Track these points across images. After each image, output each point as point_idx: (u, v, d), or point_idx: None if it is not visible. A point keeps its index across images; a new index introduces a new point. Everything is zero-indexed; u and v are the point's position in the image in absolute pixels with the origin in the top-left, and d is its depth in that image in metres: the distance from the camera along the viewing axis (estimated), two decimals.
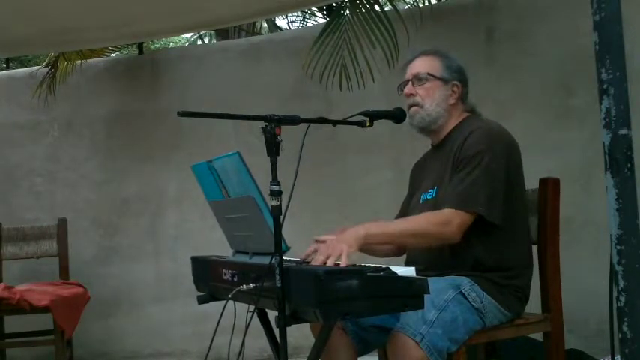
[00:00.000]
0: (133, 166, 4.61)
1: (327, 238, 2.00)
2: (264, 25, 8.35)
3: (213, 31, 9.41)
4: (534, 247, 2.33)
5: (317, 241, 2.04)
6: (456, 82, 2.30)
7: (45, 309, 3.54)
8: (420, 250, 2.23)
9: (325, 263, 1.85)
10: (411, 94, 2.30)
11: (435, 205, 2.20)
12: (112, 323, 4.52)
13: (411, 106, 2.30)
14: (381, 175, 4.10)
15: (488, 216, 2.08)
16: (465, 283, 2.10)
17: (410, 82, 2.32)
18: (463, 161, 2.14)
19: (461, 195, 2.09)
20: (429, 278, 1.73)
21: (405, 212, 2.44)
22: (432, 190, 2.26)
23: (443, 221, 2.06)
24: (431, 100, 2.28)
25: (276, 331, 1.75)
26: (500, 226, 2.11)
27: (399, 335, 1.94)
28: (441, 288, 2.02)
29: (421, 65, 2.32)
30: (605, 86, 1.40)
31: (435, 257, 2.18)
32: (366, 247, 2.07)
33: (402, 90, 2.34)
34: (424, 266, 2.15)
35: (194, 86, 4.53)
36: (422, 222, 2.09)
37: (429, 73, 2.28)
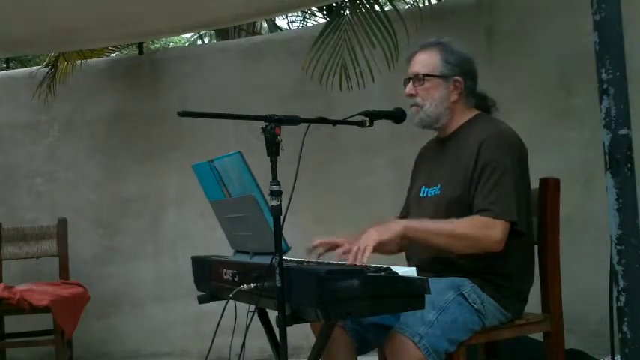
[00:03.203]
0: (133, 166, 4.61)
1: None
2: (264, 25, 8.35)
3: (213, 31, 9.40)
4: (534, 247, 2.33)
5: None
6: (457, 77, 2.25)
7: (45, 309, 3.55)
8: (421, 250, 2.23)
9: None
10: (412, 95, 2.28)
11: (438, 204, 2.20)
12: (112, 323, 4.52)
13: (411, 105, 2.29)
14: (382, 175, 4.10)
15: (519, 225, 2.08)
16: (466, 284, 2.10)
17: (411, 81, 2.30)
18: (485, 170, 2.10)
19: (495, 204, 2.05)
20: (428, 279, 1.73)
21: (407, 203, 2.45)
22: (435, 187, 2.25)
23: (485, 226, 2.03)
24: (430, 101, 2.25)
25: (277, 330, 1.76)
26: (524, 234, 2.11)
27: (397, 335, 1.94)
28: (441, 289, 2.02)
29: (421, 63, 2.28)
30: (605, 86, 1.41)
31: (436, 258, 2.17)
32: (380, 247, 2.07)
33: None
34: (421, 264, 2.14)
35: (194, 86, 4.53)
36: (465, 225, 2.05)
37: (426, 74, 2.25)
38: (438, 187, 2.24)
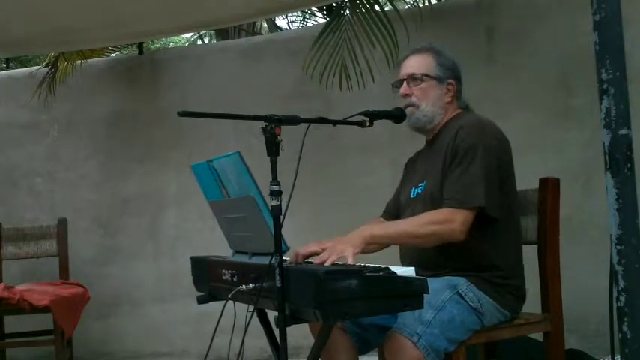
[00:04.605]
0: (133, 166, 4.61)
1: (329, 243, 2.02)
2: (264, 25, 8.36)
3: (213, 31, 9.41)
4: (534, 247, 2.33)
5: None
6: (450, 80, 2.30)
7: (45, 309, 3.54)
8: (414, 250, 2.23)
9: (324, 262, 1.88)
10: (407, 95, 2.30)
11: (424, 199, 2.21)
12: (112, 323, 4.52)
13: (406, 106, 2.29)
14: (382, 175, 4.09)
15: (489, 209, 2.08)
16: (462, 283, 2.10)
17: (405, 82, 2.31)
18: (457, 157, 2.12)
19: (460, 192, 2.08)
20: (427, 278, 1.73)
21: (397, 206, 2.44)
22: (421, 185, 2.26)
23: (444, 220, 2.05)
24: (427, 101, 2.27)
25: (276, 331, 1.75)
26: (498, 221, 2.11)
27: (396, 335, 1.94)
28: (437, 288, 2.01)
29: (416, 64, 2.31)
30: (605, 86, 1.41)
31: (430, 257, 2.17)
32: (366, 247, 2.08)
33: (397, 88, 2.34)
34: (416, 265, 2.13)
35: (194, 86, 4.53)
36: (424, 222, 2.07)
37: (424, 74, 2.27)
38: (424, 183, 2.25)
